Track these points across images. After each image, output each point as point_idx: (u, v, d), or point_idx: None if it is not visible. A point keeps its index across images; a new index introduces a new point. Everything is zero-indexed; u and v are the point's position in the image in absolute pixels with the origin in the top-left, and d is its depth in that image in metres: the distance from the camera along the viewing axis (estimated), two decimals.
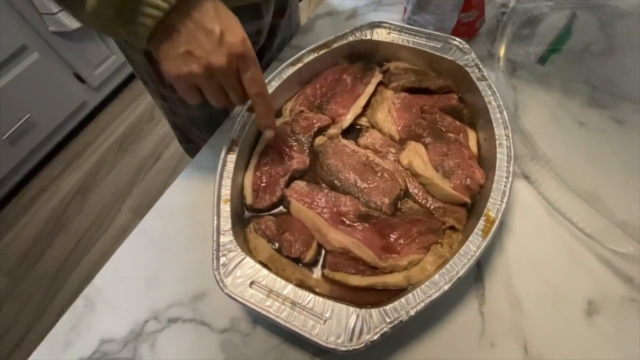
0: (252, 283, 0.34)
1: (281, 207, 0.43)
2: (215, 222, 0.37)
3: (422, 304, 0.31)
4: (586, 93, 0.52)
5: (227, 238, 0.36)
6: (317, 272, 0.38)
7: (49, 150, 1.50)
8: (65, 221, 1.42)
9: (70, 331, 0.40)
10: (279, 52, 0.62)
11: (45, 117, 1.39)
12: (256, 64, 0.34)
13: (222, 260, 0.35)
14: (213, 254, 0.35)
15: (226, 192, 0.39)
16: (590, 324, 0.37)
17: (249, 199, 0.42)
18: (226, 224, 0.37)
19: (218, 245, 0.36)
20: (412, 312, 0.30)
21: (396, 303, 0.31)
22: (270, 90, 0.47)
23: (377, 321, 0.31)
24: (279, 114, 0.50)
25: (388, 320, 0.30)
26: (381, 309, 0.31)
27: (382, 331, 0.30)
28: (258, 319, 0.39)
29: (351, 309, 0.31)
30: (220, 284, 0.33)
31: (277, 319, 0.31)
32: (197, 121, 0.62)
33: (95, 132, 1.61)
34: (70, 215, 1.43)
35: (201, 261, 0.38)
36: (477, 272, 0.40)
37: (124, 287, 0.42)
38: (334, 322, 0.31)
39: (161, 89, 0.57)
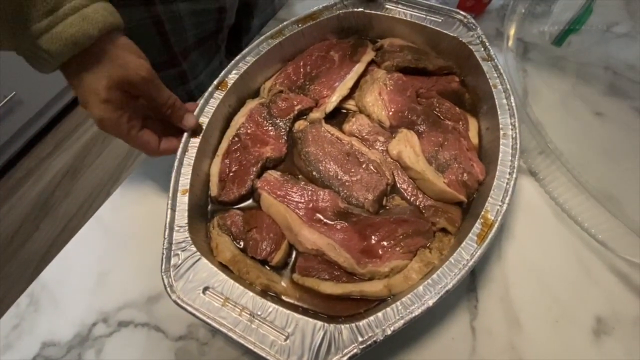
0: (206, 289, 0.29)
1: (251, 201, 0.37)
2: (168, 216, 0.32)
3: (402, 322, 0.26)
4: (605, 79, 0.46)
5: (181, 235, 0.31)
6: (286, 277, 0.33)
7: (37, 131, 1.45)
8: (52, 204, 1.38)
9: (12, 332, 0.36)
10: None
11: (32, 95, 1.33)
12: (123, 136, 0.33)
13: (174, 260, 0.30)
14: (163, 253, 0.30)
15: (185, 181, 0.34)
16: (598, 345, 0.32)
17: (214, 190, 0.37)
18: (182, 218, 0.32)
19: (170, 243, 0.31)
20: (389, 332, 0.26)
21: (371, 319, 0.26)
22: (246, 67, 0.41)
23: (347, 340, 0.26)
24: (256, 94, 0.44)
25: (360, 339, 0.26)
26: (353, 325, 0.26)
27: (352, 353, 0.25)
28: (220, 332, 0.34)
29: (319, 323, 0.27)
30: (168, 289, 0.28)
31: (231, 333, 0.27)
32: None
33: (85, 113, 1.55)
34: (58, 198, 1.39)
35: (160, 259, 0.33)
36: (471, 281, 0.35)
37: (73, 285, 0.38)
38: (297, 338, 0.26)
39: None
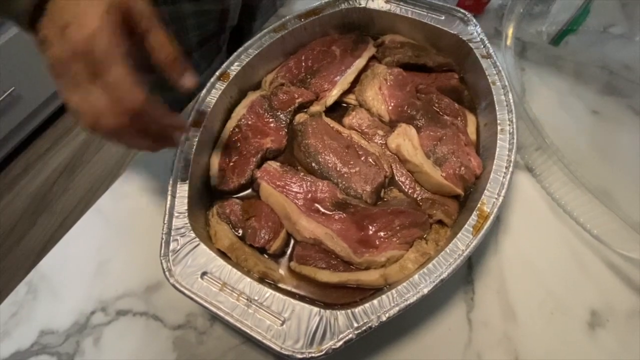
0: (204, 274, 0.29)
1: (250, 190, 0.38)
2: (168, 202, 0.32)
3: (397, 309, 0.26)
4: (602, 79, 0.47)
5: (181, 221, 0.31)
6: (284, 265, 0.33)
7: (36, 126, 1.45)
8: (50, 200, 1.38)
9: (10, 320, 0.36)
10: None
11: (31, 91, 1.33)
12: (116, 63, 0.25)
13: (173, 245, 0.30)
14: (162, 237, 0.30)
15: (186, 169, 0.34)
16: (592, 337, 0.32)
17: (214, 179, 0.37)
18: (182, 205, 0.32)
19: (169, 228, 0.31)
20: (384, 318, 0.26)
21: (367, 305, 0.27)
22: (248, 59, 0.42)
23: (342, 326, 0.26)
24: (257, 86, 0.45)
25: (355, 325, 0.26)
26: (349, 311, 0.27)
27: (347, 338, 0.25)
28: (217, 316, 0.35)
29: (315, 309, 0.27)
30: (167, 272, 0.29)
31: (228, 317, 0.27)
32: None
33: None
34: (56, 193, 1.39)
35: (159, 249, 0.33)
36: (468, 274, 0.35)
37: (72, 273, 0.38)
38: (294, 323, 0.27)
39: None
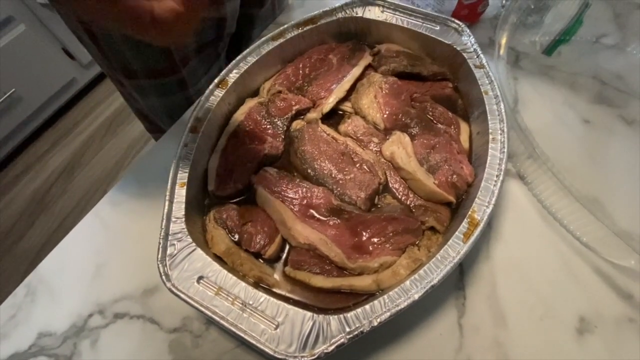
0: (200, 278, 0.30)
1: (247, 196, 0.38)
2: (166, 207, 0.33)
3: (388, 314, 0.27)
4: (594, 88, 0.48)
5: (178, 226, 0.32)
6: (279, 270, 0.34)
7: (35, 128, 1.46)
8: (49, 201, 1.38)
9: (8, 322, 0.36)
10: None
11: (31, 92, 1.34)
12: None
13: (170, 250, 0.31)
14: (159, 242, 0.31)
15: (184, 175, 0.35)
16: (581, 343, 0.33)
17: (211, 185, 0.38)
18: (179, 210, 0.33)
19: (167, 233, 0.31)
20: (375, 323, 0.26)
21: (359, 311, 0.27)
22: (247, 66, 0.43)
23: (335, 330, 0.27)
24: (255, 93, 0.45)
25: (348, 329, 0.27)
26: (341, 316, 0.27)
27: (339, 342, 0.26)
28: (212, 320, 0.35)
29: (308, 314, 0.27)
30: (163, 277, 0.29)
31: (222, 321, 0.27)
32: (157, 111, 0.57)
33: (84, 111, 1.57)
34: (55, 195, 1.39)
35: (156, 253, 0.34)
36: (459, 280, 0.36)
37: (70, 277, 0.38)
38: (287, 327, 0.27)
39: (116, 73, 0.52)
